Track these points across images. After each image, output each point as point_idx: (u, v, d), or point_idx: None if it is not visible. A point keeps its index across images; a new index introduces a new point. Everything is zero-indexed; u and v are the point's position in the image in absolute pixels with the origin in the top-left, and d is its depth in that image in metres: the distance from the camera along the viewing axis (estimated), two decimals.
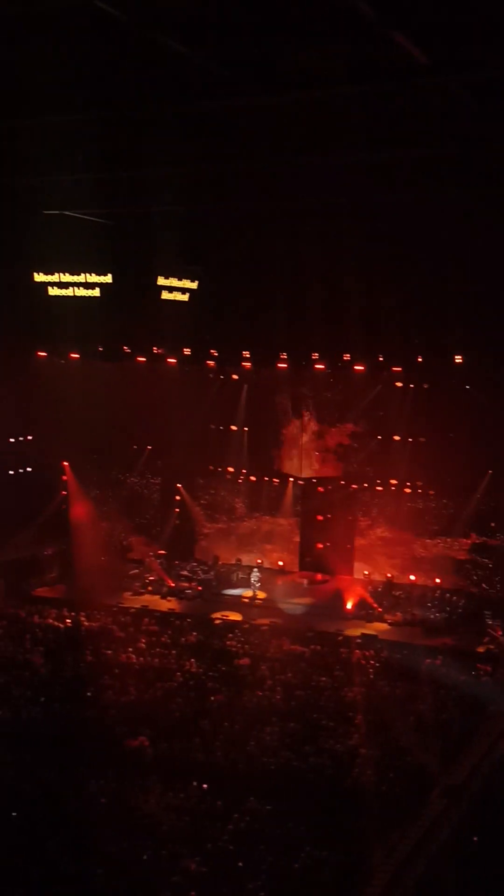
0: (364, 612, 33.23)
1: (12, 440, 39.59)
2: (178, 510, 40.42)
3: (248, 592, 35.68)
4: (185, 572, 37.61)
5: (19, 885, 15.10)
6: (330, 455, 38.38)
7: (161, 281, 30.94)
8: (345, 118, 18.05)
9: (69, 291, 31.44)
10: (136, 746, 20.66)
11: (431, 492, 36.41)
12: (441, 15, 12.70)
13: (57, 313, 31.72)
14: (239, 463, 39.75)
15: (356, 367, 33.61)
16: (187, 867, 15.73)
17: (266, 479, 39.51)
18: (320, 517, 38.14)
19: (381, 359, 33.50)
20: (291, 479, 38.91)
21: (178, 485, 40.38)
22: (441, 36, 13.30)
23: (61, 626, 30.86)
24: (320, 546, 37.97)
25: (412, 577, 35.38)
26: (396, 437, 36.18)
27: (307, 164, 21.75)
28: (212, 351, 35.73)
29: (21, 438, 39.90)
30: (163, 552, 39.21)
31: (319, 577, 37.24)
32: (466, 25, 13.00)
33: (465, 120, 17.26)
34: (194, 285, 31.90)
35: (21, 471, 39.81)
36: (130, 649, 27.99)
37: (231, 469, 39.92)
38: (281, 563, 38.45)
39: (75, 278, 31.36)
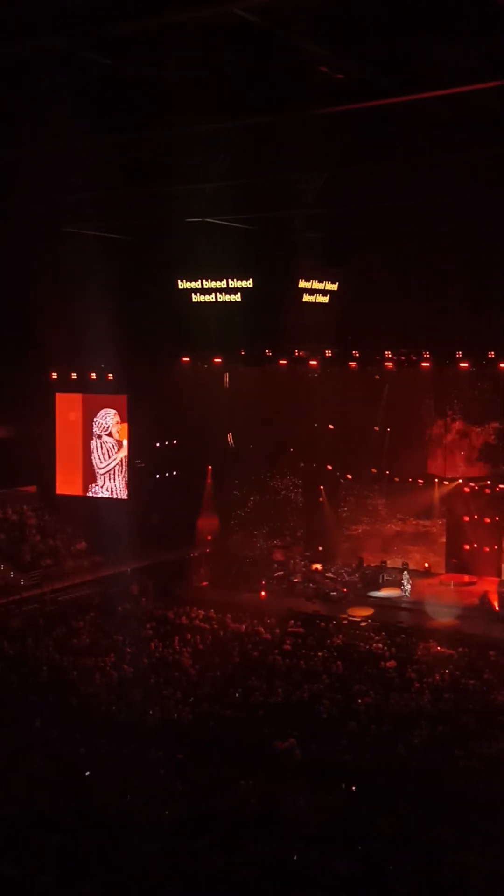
0: None
1: (158, 444, 40.33)
2: (321, 512, 40.43)
3: (396, 594, 35.37)
4: (329, 574, 37.57)
5: (170, 884, 15.34)
6: (475, 455, 37.79)
7: (302, 284, 31.04)
8: (484, 114, 17.80)
9: (211, 297, 31.87)
10: (285, 748, 20.72)
11: None
12: None
13: (200, 319, 32.18)
14: (382, 464, 39.48)
15: (501, 365, 32.96)
16: (335, 868, 15.70)
17: (410, 479, 39.13)
18: (466, 518, 37.57)
19: None
20: (437, 480, 38.44)
21: (321, 486, 40.40)
22: None
23: (208, 627, 31.23)
24: (467, 548, 37.42)
25: None
26: None
27: (448, 161, 21.52)
28: (353, 352, 35.60)
29: (167, 443, 40.59)
30: (307, 554, 39.31)
31: (466, 578, 36.70)
32: None
33: None
34: (335, 287, 31.89)
35: (167, 474, 40.51)
36: (276, 651, 28.15)
37: (374, 470, 39.69)
38: (427, 565, 38.06)
39: (217, 284, 31.79)
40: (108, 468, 40.53)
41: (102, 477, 40.73)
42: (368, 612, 32.86)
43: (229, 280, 31.71)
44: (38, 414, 40.83)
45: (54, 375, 40.00)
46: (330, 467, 40.28)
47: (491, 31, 13.61)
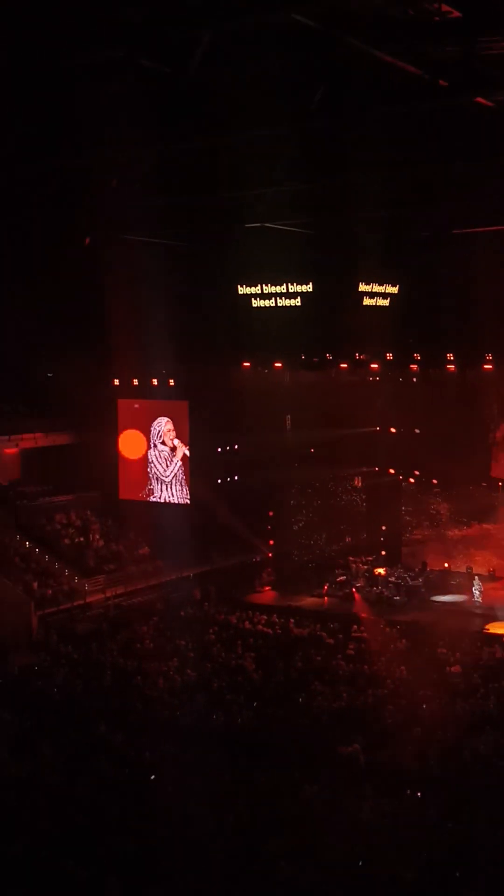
0: None
1: (219, 449, 40.44)
2: (383, 516, 40.22)
3: (461, 598, 34.98)
4: (392, 579, 37.35)
5: (237, 889, 15.34)
6: None
7: (362, 287, 30.92)
8: None
9: (271, 302, 31.90)
10: (349, 753, 20.64)
11: None
12: None
13: (260, 324, 32.23)
14: (445, 468, 39.14)
15: None
16: (402, 875, 15.59)
17: (473, 483, 38.75)
18: None
19: None
20: (501, 483, 38.01)
21: (383, 490, 40.19)
22: None
23: (271, 632, 31.23)
24: None
25: None
26: None
27: None
28: (415, 355, 35.35)
29: (228, 448, 40.68)
30: (370, 558, 39.14)
31: None
32: None
33: None
34: (395, 290, 31.74)
35: (229, 479, 40.59)
36: (340, 656, 28.05)
37: (436, 474, 39.37)
38: (492, 569, 37.61)
39: (277, 289, 31.82)
40: (170, 476, 40.73)
41: (164, 484, 40.93)
42: None
43: (289, 285, 31.72)
44: (100, 420, 41.18)
45: (116, 382, 40.30)
46: (392, 471, 40.05)
47: None
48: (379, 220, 27.75)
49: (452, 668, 26.68)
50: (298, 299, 31.71)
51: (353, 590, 36.58)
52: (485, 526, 38.63)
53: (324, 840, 16.73)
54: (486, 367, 34.14)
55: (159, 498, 40.98)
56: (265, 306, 32.15)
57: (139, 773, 19.54)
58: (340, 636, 30.51)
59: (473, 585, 34.73)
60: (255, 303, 32.21)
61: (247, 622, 32.28)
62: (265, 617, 32.89)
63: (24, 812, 17.64)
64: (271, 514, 41.19)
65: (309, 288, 31.60)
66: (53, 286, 33.03)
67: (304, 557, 40.74)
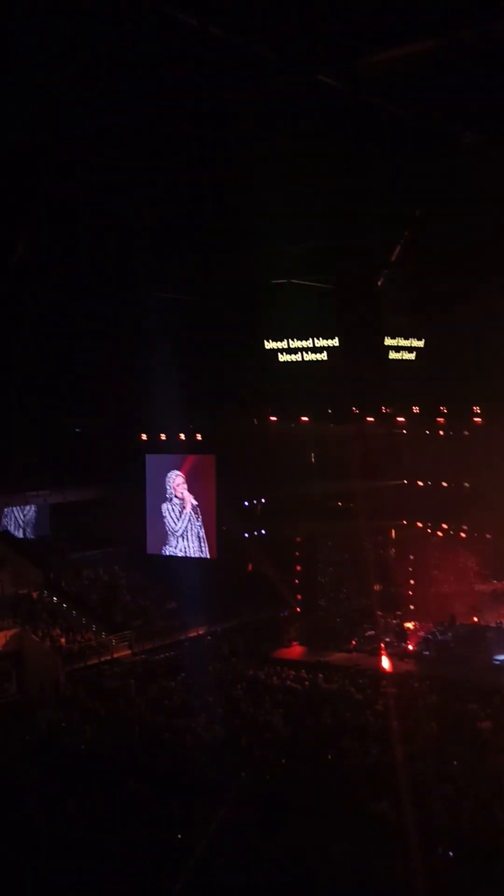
0: None
1: (246, 503, 40.49)
2: (411, 570, 40.02)
3: None
4: (421, 633, 37.06)
5: None
6: None
7: (388, 341, 31.06)
8: None
9: (298, 356, 32.09)
10: (379, 810, 20.37)
11: None
12: None
13: (286, 378, 32.40)
14: (474, 521, 38.97)
15: None
16: None
17: (502, 537, 38.53)
18: None
19: None
20: None
21: (412, 544, 40.04)
22: None
23: (299, 687, 31.00)
24: None
25: None
26: None
27: None
28: (441, 408, 35.37)
29: (254, 502, 40.72)
30: (398, 612, 38.88)
31: None
32: None
33: None
34: (421, 343, 31.86)
35: (256, 533, 40.58)
36: (369, 712, 27.78)
37: (465, 527, 39.20)
38: None
39: (303, 343, 32.01)
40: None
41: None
42: None
43: (315, 339, 31.91)
44: (128, 475, 41.40)
45: (144, 437, 40.54)
46: (420, 525, 39.91)
47: None
48: (404, 275, 27.93)
49: (483, 724, 26.34)
50: (325, 354, 31.87)
51: (382, 644, 36.30)
52: None
53: None
54: None
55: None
56: (292, 361, 32.33)
57: (167, 831, 19.37)
58: (369, 691, 30.24)
59: None
60: (282, 357, 32.40)
61: (275, 677, 32.06)
62: (293, 672, 32.68)
63: (53, 869, 17.52)
64: (299, 568, 41.08)
65: (335, 342, 31.77)
66: (81, 342, 33.43)
67: (332, 612, 40.51)
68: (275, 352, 32.41)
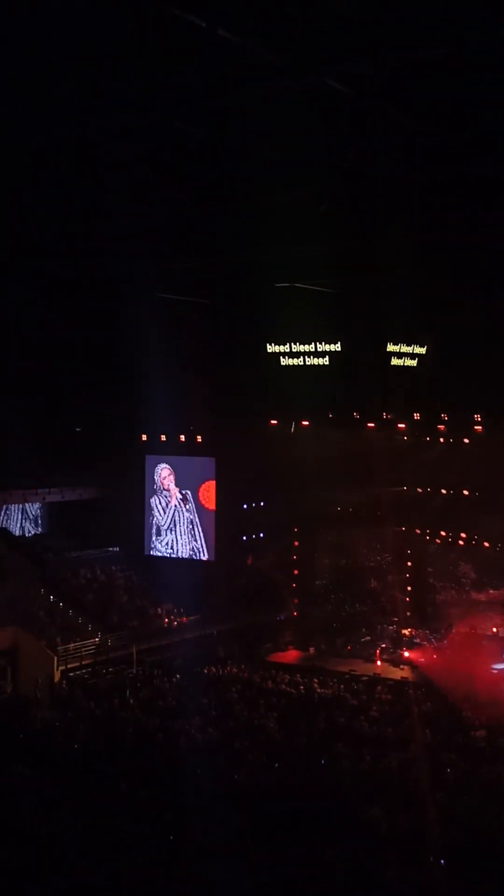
0: None
1: (246, 506, 40.47)
2: (409, 576, 40.01)
3: None
4: (417, 640, 37.05)
5: None
6: None
7: (390, 347, 31.07)
8: None
9: (300, 361, 32.09)
10: (372, 817, 20.33)
11: None
12: None
13: (288, 382, 32.40)
14: (471, 528, 38.96)
15: None
16: None
17: (500, 545, 38.51)
18: None
19: None
20: None
21: (409, 551, 40.03)
22: None
23: (294, 691, 30.97)
24: None
25: None
26: None
27: None
28: (442, 415, 35.39)
29: (254, 504, 40.71)
30: (395, 619, 38.86)
31: None
32: None
33: None
34: (423, 350, 31.86)
35: (255, 536, 40.58)
36: (363, 717, 27.75)
37: (463, 535, 39.19)
38: None
39: (305, 347, 32.03)
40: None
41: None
42: None
43: (318, 344, 31.94)
44: (127, 475, 41.39)
45: (144, 437, 40.55)
46: (418, 531, 39.90)
47: None
48: (408, 281, 27.92)
49: (477, 732, 26.32)
50: (327, 358, 31.90)
51: (378, 650, 36.29)
52: None
53: None
54: None
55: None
56: (293, 365, 32.36)
57: (159, 833, 19.33)
58: (364, 697, 30.24)
59: None
60: (284, 361, 32.43)
61: (270, 681, 32.03)
62: (288, 676, 32.66)
63: (44, 870, 17.47)
64: (296, 572, 41.05)
65: (337, 347, 31.80)
66: (82, 342, 33.43)
67: (329, 617, 40.48)
68: (277, 355, 32.43)
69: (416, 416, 35.35)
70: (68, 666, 33.77)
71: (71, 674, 33.45)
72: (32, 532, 44.91)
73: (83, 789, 21.78)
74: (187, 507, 40.78)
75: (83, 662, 34.48)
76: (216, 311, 33.46)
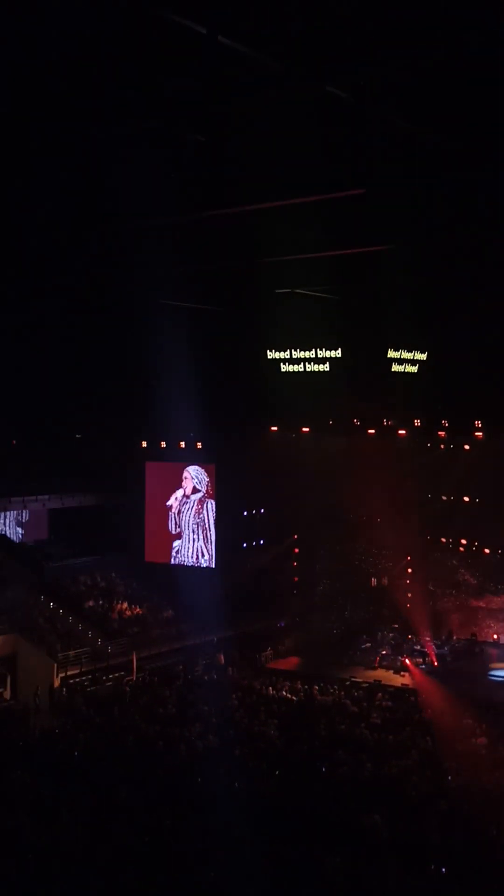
0: None
1: (246, 513, 40.43)
2: (409, 583, 39.94)
3: None
4: (417, 647, 36.98)
5: None
6: None
7: (391, 353, 31.02)
8: None
9: (300, 367, 32.05)
10: (372, 824, 20.24)
11: None
12: None
13: (289, 389, 32.36)
14: (472, 535, 38.93)
15: None
16: None
17: (501, 551, 38.48)
18: None
19: None
20: None
21: (409, 557, 39.97)
22: None
23: (295, 698, 30.90)
24: None
25: None
26: None
27: None
28: (443, 421, 35.34)
29: (254, 511, 40.67)
30: (395, 626, 38.78)
31: None
32: None
33: None
34: (424, 356, 31.82)
35: (255, 543, 40.53)
36: (364, 724, 27.67)
37: (464, 541, 39.14)
38: None
39: (306, 354, 31.96)
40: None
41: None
42: None
43: (318, 350, 31.89)
44: (128, 482, 41.36)
45: (144, 444, 40.53)
46: (419, 538, 39.84)
47: None
48: (409, 287, 27.89)
49: (478, 740, 26.24)
50: (327, 364, 31.86)
51: (378, 657, 36.22)
52: None
53: None
54: None
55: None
56: (294, 371, 32.31)
57: (159, 841, 19.25)
58: (365, 704, 30.16)
59: None
60: (284, 367, 32.38)
61: (270, 688, 31.98)
62: (289, 683, 32.58)
63: (44, 877, 17.40)
64: (296, 579, 40.98)
65: (338, 353, 31.76)
66: (83, 349, 33.39)
67: (329, 624, 40.41)
68: (277, 362, 32.37)
69: (417, 422, 35.32)
70: (68, 673, 33.70)
71: (71, 681, 33.37)
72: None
73: (82, 797, 21.69)
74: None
75: (83, 669, 34.41)
76: (216, 317, 33.42)
